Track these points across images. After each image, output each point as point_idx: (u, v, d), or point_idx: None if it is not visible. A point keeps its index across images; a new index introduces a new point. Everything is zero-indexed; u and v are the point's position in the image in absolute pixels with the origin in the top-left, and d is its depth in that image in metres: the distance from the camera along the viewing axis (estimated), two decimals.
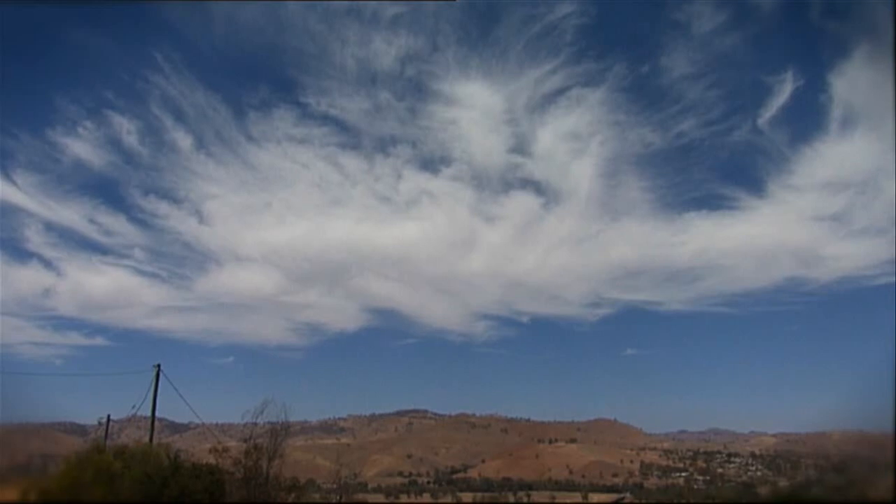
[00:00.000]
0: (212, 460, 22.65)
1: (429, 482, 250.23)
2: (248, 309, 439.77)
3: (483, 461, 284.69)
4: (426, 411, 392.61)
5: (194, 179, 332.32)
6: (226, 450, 22.66)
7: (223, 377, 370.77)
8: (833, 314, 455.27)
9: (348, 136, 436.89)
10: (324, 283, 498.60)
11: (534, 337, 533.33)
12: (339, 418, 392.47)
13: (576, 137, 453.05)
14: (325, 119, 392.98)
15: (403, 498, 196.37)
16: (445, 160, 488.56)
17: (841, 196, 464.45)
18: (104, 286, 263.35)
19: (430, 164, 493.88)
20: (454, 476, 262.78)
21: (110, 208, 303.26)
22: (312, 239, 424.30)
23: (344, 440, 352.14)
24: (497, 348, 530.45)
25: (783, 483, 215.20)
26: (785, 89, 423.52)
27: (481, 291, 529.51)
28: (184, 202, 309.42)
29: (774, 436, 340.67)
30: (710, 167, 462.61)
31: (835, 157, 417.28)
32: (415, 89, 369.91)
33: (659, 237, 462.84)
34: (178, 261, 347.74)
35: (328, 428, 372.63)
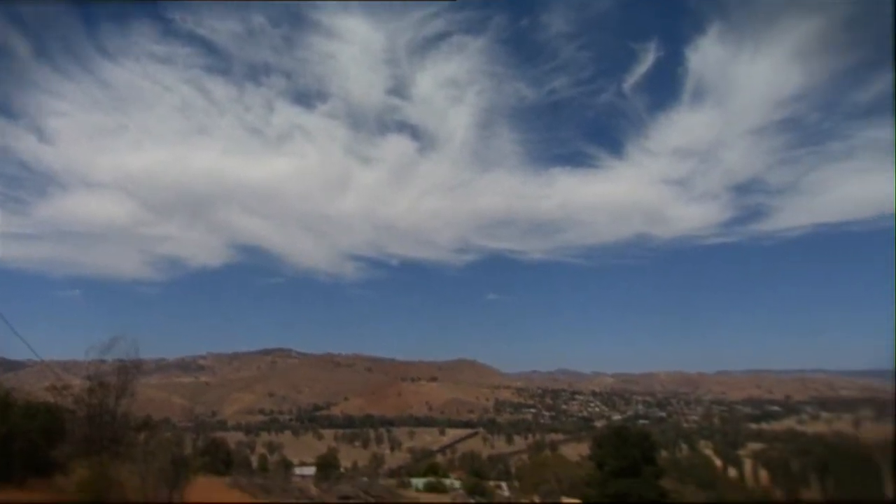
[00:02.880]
0: (50, 399, 20.91)
1: (290, 420, 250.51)
2: (98, 239, 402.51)
3: (346, 399, 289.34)
4: (290, 350, 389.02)
5: (34, 92, 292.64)
6: (66, 387, 20.99)
7: (68, 312, 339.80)
8: (670, 269, 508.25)
9: (217, 59, 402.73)
10: (185, 216, 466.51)
11: (402, 279, 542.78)
12: (199, 356, 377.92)
13: (454, 84, 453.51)
14: (192, 39, 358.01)
15: (264, 435, 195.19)
16: (321, 95, 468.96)
17: (686, 163, 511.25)
18: None
19: (305, 98, 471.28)
20: (317, 413, 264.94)
21: None
22: (173, 168, 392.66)
23: (203, 378, 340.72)
24: (365, 289, 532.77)
25: (616, 417, 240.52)
26: (648, 58, 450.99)
27: (352, 232, 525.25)
28: (21, 117, 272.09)
29: (612, 376, 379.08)
30: (577, 125, 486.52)
31: (685, 126, 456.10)
32: (292, 17, 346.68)
33: (526, 189, 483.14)
34: (12, 182, 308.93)
35: (186, 366, 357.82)
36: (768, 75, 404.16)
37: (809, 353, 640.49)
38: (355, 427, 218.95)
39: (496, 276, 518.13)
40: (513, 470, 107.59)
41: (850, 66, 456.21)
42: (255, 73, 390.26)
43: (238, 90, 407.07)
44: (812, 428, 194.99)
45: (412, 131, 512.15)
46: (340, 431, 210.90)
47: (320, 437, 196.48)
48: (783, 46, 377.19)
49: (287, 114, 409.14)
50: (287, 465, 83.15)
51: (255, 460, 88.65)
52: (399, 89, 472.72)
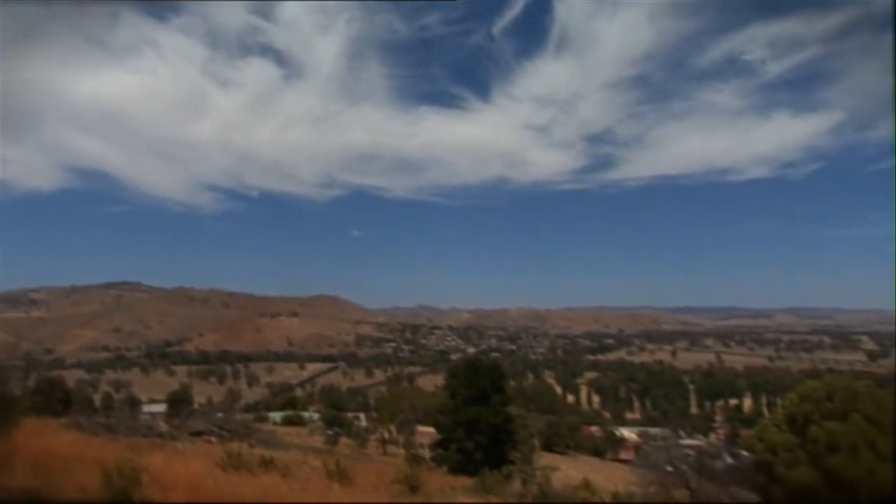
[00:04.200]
0: None
1: (139, 356, 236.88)
2: None
3: (201, 335, 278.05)
4: (139, 283, 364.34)
5: None
6: None
7: None
8: (526, 211, 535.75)
9: None
10: (8, 132, 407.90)
11: (262, 213, 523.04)
12: (30, 289, 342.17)
13: (323, 11, 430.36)
14: None
15: (109, 373, 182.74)
16: (174, 8, 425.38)
17: (547, 110, 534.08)
18: None
19: (156, 9, 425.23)
20: (168, 350, 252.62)
21: None
22: None
23: (36, 314, 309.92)
24: (223, 222, 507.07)
25: (471, 350, 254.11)
26: (518, 3, 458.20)
27: (209, 161, 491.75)
28: None
29: (469, 311, 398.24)
30: (446, 65, 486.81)
31: (548, 74, 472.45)
32: None
33: (393, 126, 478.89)
34: None
35: (14, 300, 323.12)
36: (625, 33, 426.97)
37: (640, 292, 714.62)
38: (210, 363, 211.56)
39: (360, 212, 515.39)
40: (371, 402, 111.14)
41: (695, 31, 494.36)
42: None
43: None
44: (639, 358, 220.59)
45: (276, 56, 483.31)
46: (194, 368, 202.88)
47: (172, 374, 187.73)
48: (639, 6, 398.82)
49: (135, 25, 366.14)
50: (134, 403, 78.93)
51: (98, 399, 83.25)
52: (263, 10, 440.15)
